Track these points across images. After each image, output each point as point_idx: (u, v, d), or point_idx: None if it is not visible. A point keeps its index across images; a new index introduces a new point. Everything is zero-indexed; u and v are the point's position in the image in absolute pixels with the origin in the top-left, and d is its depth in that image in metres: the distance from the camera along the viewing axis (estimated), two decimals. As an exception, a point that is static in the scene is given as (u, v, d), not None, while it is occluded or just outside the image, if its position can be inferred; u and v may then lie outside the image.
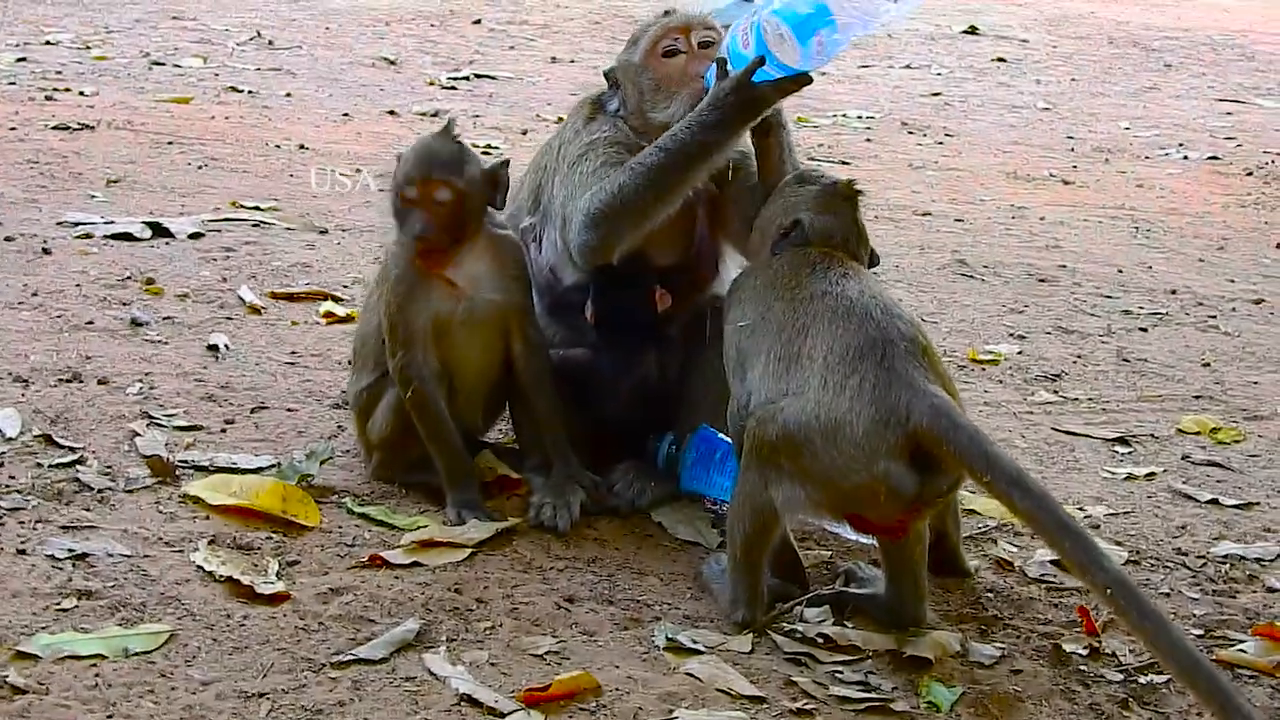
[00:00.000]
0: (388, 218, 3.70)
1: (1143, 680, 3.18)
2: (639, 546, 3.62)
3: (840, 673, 3.10)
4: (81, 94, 8.04)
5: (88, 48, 9.33)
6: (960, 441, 3.02)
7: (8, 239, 5.39)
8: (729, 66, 3.56)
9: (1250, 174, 8.66)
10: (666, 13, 3.93)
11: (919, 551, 3.29)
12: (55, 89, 8.08)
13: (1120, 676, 3.20)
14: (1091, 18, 14.35)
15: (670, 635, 3.17)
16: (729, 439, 3.80)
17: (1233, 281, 6.43)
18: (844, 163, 8.15)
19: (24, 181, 6.19)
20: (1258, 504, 4.14)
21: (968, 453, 3.01)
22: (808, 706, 2.97)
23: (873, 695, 3.03)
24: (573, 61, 10.48)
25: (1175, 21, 14.52)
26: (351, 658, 2.98)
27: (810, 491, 3.18)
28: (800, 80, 3.53)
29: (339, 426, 4.06)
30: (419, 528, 3.55)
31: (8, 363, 4.27)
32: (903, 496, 3.08)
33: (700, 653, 3.12)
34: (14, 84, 8.14)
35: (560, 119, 8.32)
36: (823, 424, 3.10)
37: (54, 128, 7.17)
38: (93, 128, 7.25)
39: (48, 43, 9.37)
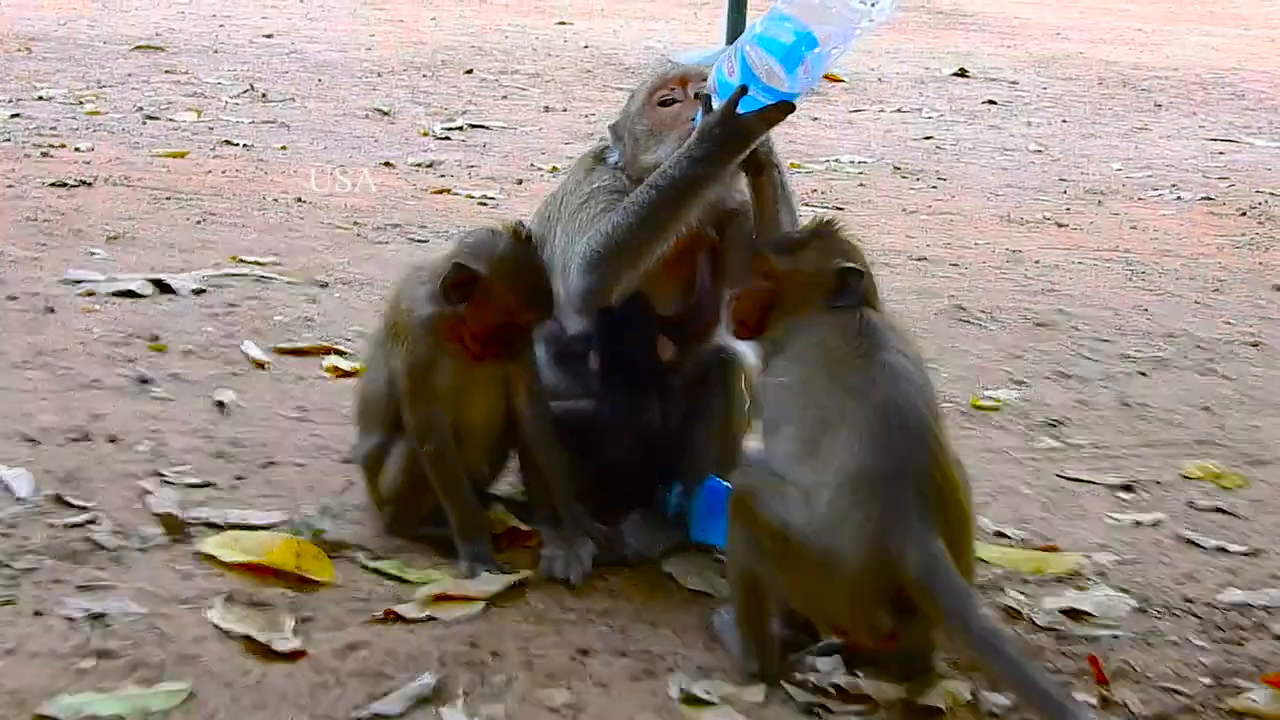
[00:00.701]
0: (423, 285, 3.73)
1: (1154, 727, 3.23)
2: (650, 597, 3.65)
3: (853, 720, 3.15)
4: (77, 150, 8.10)
5: (80, 103, 9.38)
6: (944, 601, 3.03)
7: (11, 298, 5.43)
8: (714, 97, 3.62)
9: (1244, 214, 8.73)
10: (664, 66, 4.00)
11: None
12: (51, 145, 8.13)
13: (1132, 724, 3.25)
14: (1080, 58, 14.47)
15: (685, 687, 3.19)
16: None
17: (1230, 324, 6.48)
18: (838, 208, 8.21)
19: (24, 239, 6.24)
20: (1264, 551, 4.18)
21: (949, 613, 3.03)
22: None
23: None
24: (565, 110, 10.56)
25: (1164, 61, 14.64)
26: (369, 713, 3.01)
27: (789, 589, 3.24)
28: (784, 108, 3.57)
29: (349, 481, 4.09)
30: (432, 581, 3.57)
31: (16, 422, 4.31)
32: (878, 633, 3.13)
33: (714, 704, 3.15)
34: (9, 140, 8.19)
35: (555, 168, 8.43)
36: (817, 548, 3.10)
37: (51, 184, 7.22)
38: (90, 184, 7.31)
39: (40, 98, 9.43)
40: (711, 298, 4.02)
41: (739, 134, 3.62)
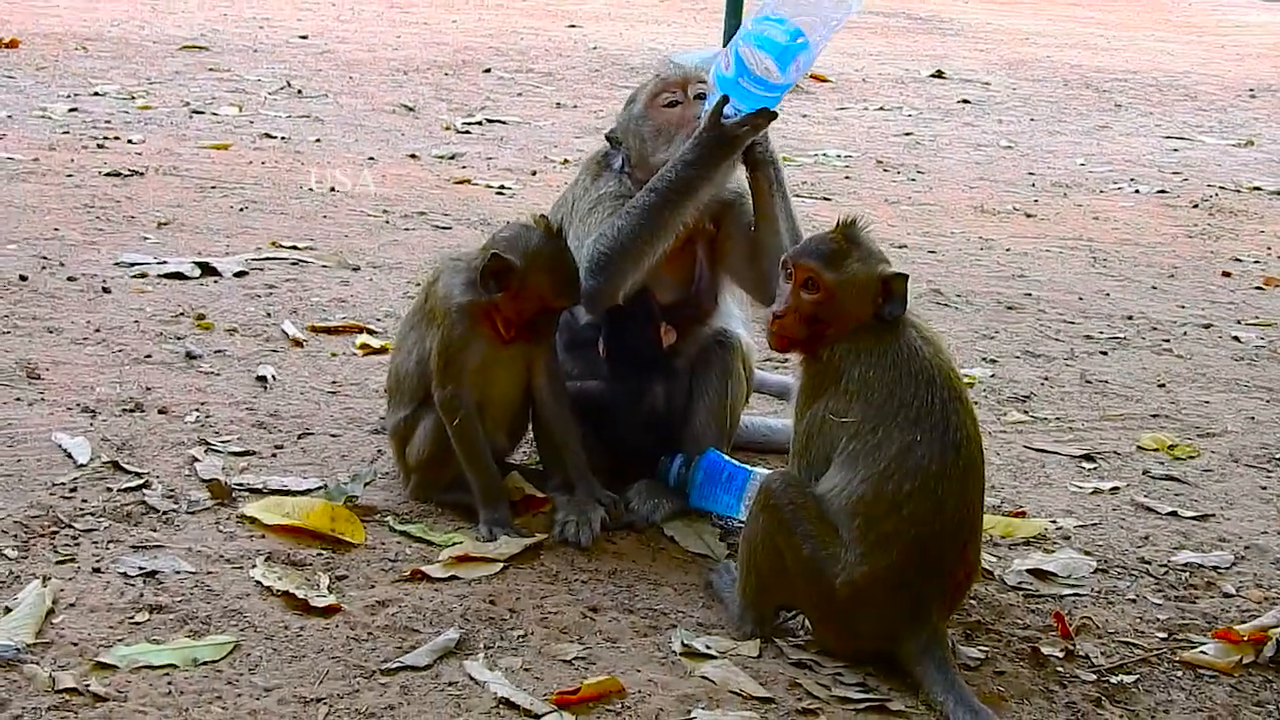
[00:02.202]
0: (459, 274, 3.71)
1: (1114, 680, 3.22)
2: (654, 559, 3.66)
3: (841, 675, 3.14)
4: (130, 141, 8.06)
5: (133, 98, 9.34)
6: (930, 678, 3.05)
7: (70, 279, 5.42)
8: (713, 94, 3.62)
9: (1196, 206, 8.70)
10: (663, 69, 3.97)
11: None
12: (105, 137, 8.10)
13: (1094, 676, 3.24)
14: (1047, 61, 14.41)
15: (686, 641, 3.20)
16: (733, 461, 3.85)
17: (1183, 307, 6.47)
18: (825, 199, 8.19)
19: (82, 225, 6.22)
20: (1213, 515, 4.18)
21: (933, 683, 3.04)
22: (812, 707, 3.01)
23: (871, 696, 3.07)
24: (575, 107, 10.52)
25: (1124, 64, 14.58)
26: (399, 665, 3.02)
27: (796, 598, 3.24)
28: (766, 114, 3.59)
29: (379, 450, 4.09)
30: (455, 544, 3.58)
31: (76, 394, 4.30)
32: (876, 654, 3.16)
33: (714, 657, 3.16)
34: (67, 132, 8.15)
35: (566, 161, 8.40)
36: (838, 597, 3.10)
37: (106, 174, 7.19)
38: (142, 174, 7.28)
39: (96, 94, 9.38)
40: (710, 285, 4.02)
41: (727, 141, 3.64)
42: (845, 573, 3.08)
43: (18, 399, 4.23)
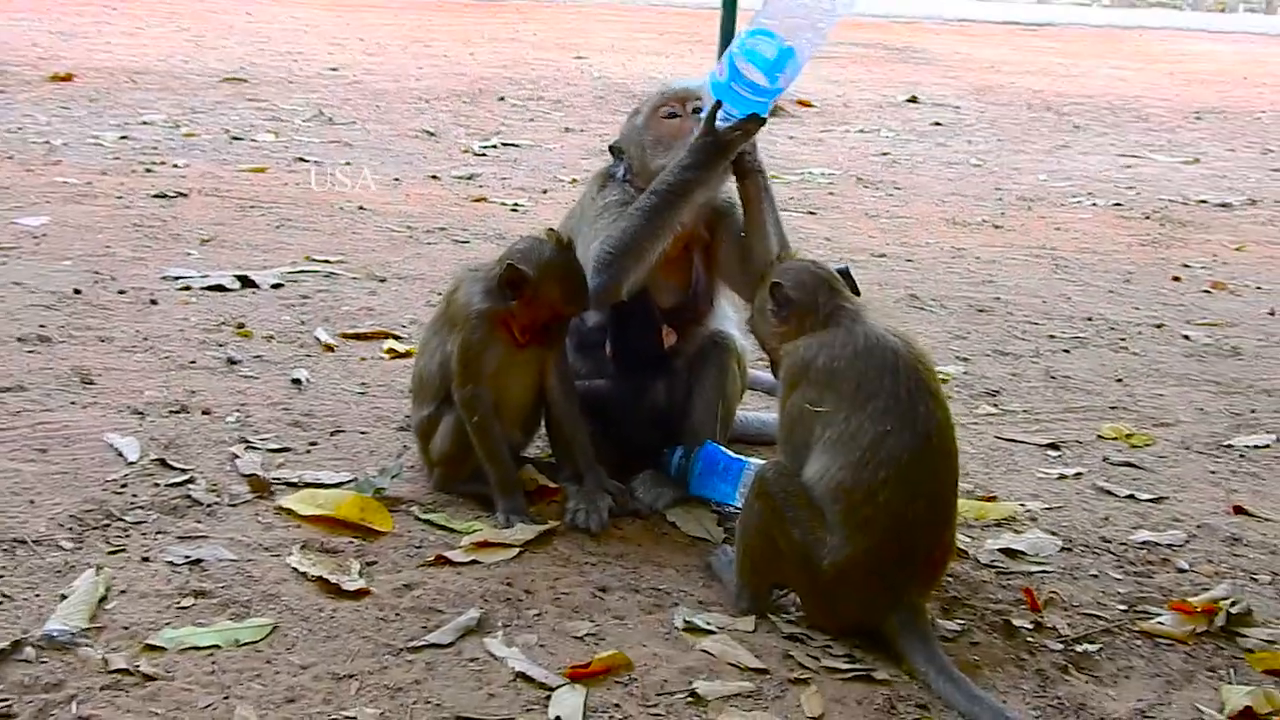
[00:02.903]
0: (478, 284, 3.69)
1: (1079, 649, 3.20)
2: (658, 543, 3.63)
3: (830, 648, 3.11)
4: (175, 166, 8.04)
5: (178, 126, 9.32)
6: (912, 650, 3.02)
7: (121, 292, 5.40)
8: (700, 106, 3.62)
9: (1148, 218, 8.67)
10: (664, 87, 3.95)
11: None
12: (153, 162, 8.07)
13: (1061, 646, 3.22)
14: (1012, 87, 14.38)
15: (687, 618, 3.18)
16: (729, 452, 3.83)
17: (1138, 309, 6.44)
18: (811, 213, 8.16)
19: (131, 242, 6.19)
20: (1167, 498, 4.16)
21: (914, 656, 3.02)
22: (804, 676, 2.99)
23: (858, 666, 3.04)
24: (582, 131, 10.49)
25: (1081, 89, 14.55)
26: (424, 643, 3.00)
27: (788, 578, 3.21)
28: (756, 119, 3.58)
29: (404, 446, 4.07)
30: (475, 531, 3.55)
31: (126, 398, 4.28)
32: (861, 628, 3.14)
33: (713, 633, 3.13)
34: (118, 159, 8.13)
35: (574, 180, 8.37)
36: (825, 578, 3.08)
37: (154, 196, 7.16)
38: (186, 195, 7.25)
39: (144, 123, 9.36)
40: (706, 289, 3.99)
41: (721, 146, 3.61)
42: (830, 555, 3.05)
43: (73, 403, 4.21)
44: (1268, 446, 4.65)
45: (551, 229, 3.73)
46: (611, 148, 3.96)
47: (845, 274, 3.40)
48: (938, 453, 3.08)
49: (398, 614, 3.11)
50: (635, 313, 3.86)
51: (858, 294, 3.38)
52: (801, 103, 12.46)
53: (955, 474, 3.17)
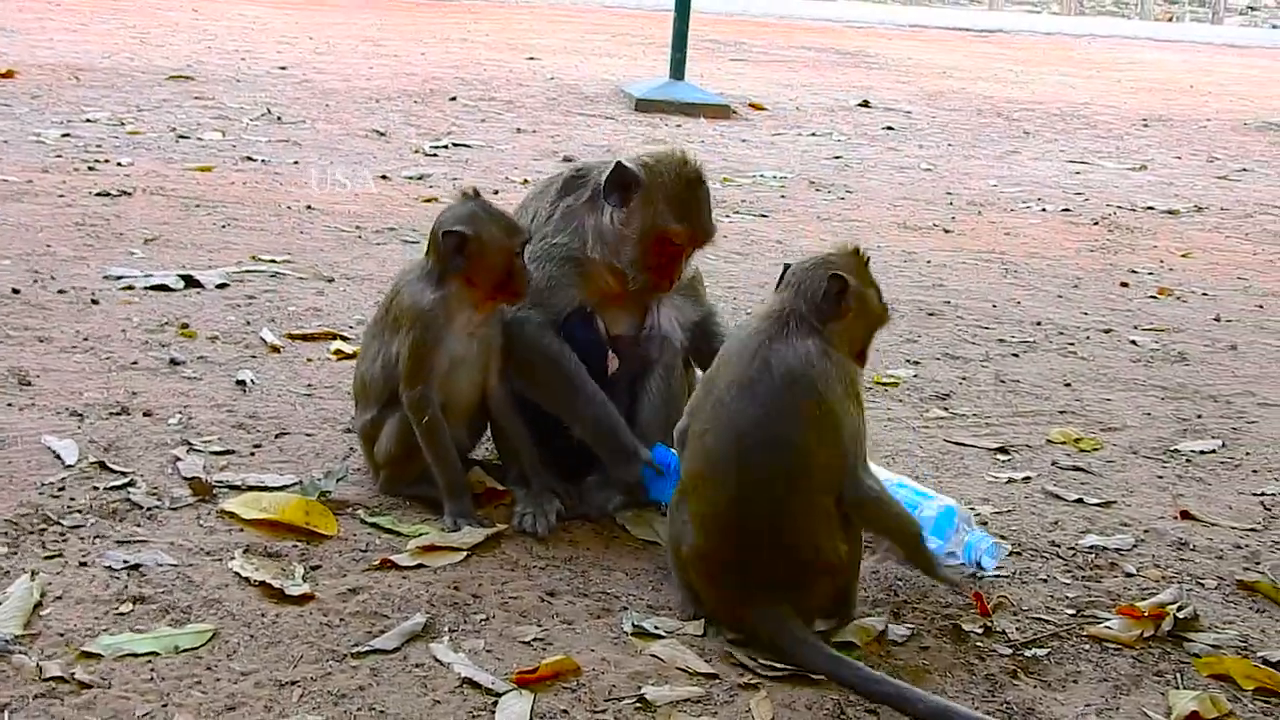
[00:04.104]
0: (419, 281, 3.65)
1: (1028, 653, 3.20)
2: (607, 546, 3.61)
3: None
4: (119, 164, 7.92)
5: (122, 124, 9.19)
6: (790, 650, 3.05)
7: (61, 291, 5.30)
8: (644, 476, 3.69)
9: (1096, 224, 8.75)
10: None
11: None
12: (96, 160, 7.95)
13: (1010, 650, 3.22)
14: (963, 93, 14.49)
15: (636, 623, 3.16)
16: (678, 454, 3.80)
17: (1086, 314, 6.49)
18: (762, 215, 8.16)
19: (73, 241, 6.09)
20: (1115, 502, 4.18)
21: (792, 657, 3.04)
22: (753, 682, 2.97)
23: (800, 670, 3.02)
24: (534, 132, 10.45)
25: (1031, 96, 14.68)
26: (369, 648, 2.96)
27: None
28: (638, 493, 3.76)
29: (350, 449, 4.02)
30: (422, 534, 3.52)
31: (64, 399, 4.20)
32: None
33: (662, 637, 3.11)
34: (60, 156, 8.00)
35: (525, 180, 8.32)
36: (688, 558, 3.18)
37: (97, 194, 7.06)
38: (130, 193, 7.15)
39: (87, 120, 9.22)
40: (658, 335, 3.86)
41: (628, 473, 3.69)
42: (686, 549, 3.16)
43: (9, 404, 4.13)
44: (1214, 452, 4.69)
45: (458, 189, 3.73)
46: (623, 172, 3.70)
47: (786, 269, 3.35)
48: (747, 451, 3.05)
49: (342, 619, 3.07)
50: (582, 335, 3.79)
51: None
52: (754, 105, 12.48)
53: (784, 474, 3.05)
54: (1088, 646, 3.28)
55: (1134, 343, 6.02)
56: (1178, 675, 3.16)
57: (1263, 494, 4.33)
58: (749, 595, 3.07)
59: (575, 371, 3.70)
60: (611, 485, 3.81)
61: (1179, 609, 3.38)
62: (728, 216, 8.07)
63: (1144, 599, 3.49)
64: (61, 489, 3.58)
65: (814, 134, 11.48)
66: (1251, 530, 4.04)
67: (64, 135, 8.62)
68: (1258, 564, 3.80)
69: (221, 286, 5.57)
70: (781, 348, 3.12)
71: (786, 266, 3.35)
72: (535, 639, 3.07)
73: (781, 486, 3.06)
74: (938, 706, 2.87)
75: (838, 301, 3.20)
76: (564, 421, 3.77)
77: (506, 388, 3.75)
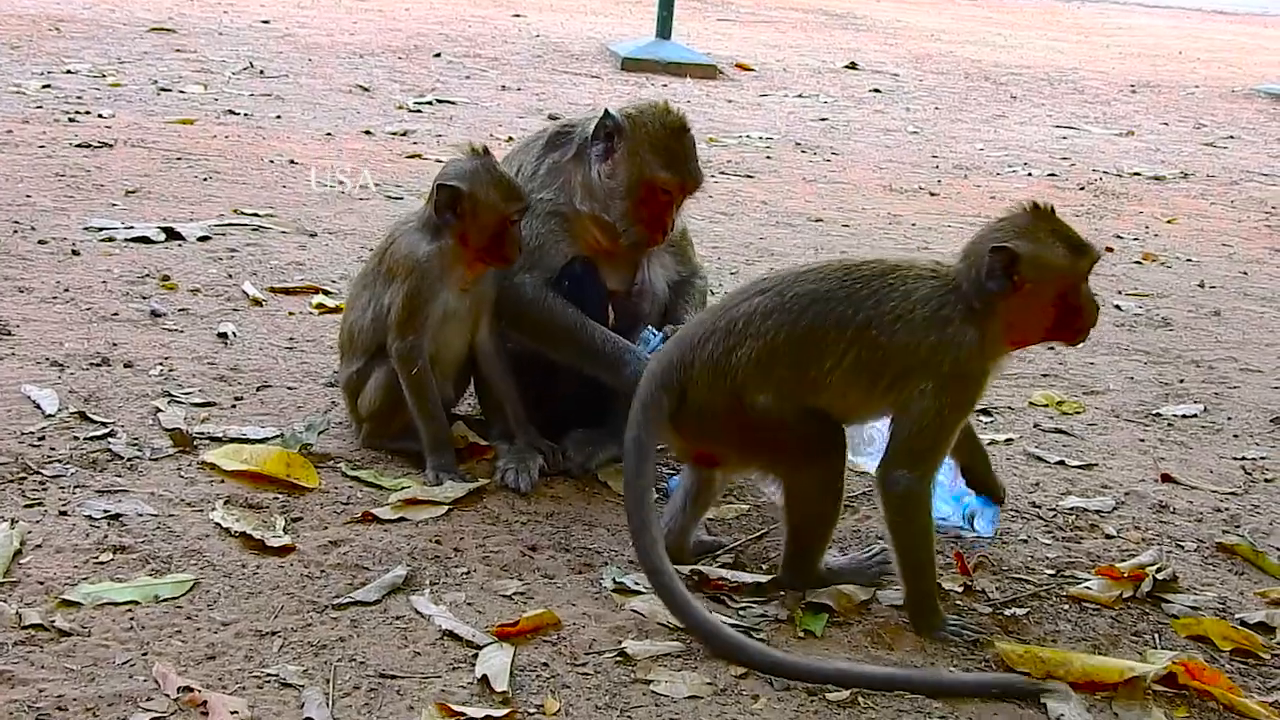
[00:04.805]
0: (414, 231, 3.64)
1: (1008, 612, 3.22)
2: (589, 502, 3.61)
3: (750, 607, 3.10)
4: (100, 116, 7.86)
5: (103, 76, 9.11)
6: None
7: (41, 242, 5.26)
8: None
9: (1082, 188, 8.75)
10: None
11: (797, 517, 3.17)
12: (77, 112, 7.89)
13: (990, 609, 3.23)
14: (950, 56, 14.45)
15: (617, 578, 3.16)
16: None
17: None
18: (748, 176, 8.14)
19: (53, 192, 6.04)
20: (1096, 464, 4.19)
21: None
22: (734, 637, 2.98)
23: (777, 620, 3.05)
24: (519, 89, 10.39)
25: (1019, 60, 14.65)
26: (350, 600, 2.96)
27: None
28: None
29: (332, 402, 4.01)
30: (403, 488, 3.52)
31: (45, 349, 4.18)
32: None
33: (642, 593, 3.10)
34: (40, 108, 7.93)
35: (510, 138, 8.27)
36: None
37: (77, 145, 7.00)
38: (111, 145, 7.09)
39: (68, 71, 9.14)
40: (649, 289, 3.87)
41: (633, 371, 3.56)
42: None
43: (-11, 353, 4.11)
44: (1195, 416, 4.71)
45: (467, 143, 3.67)
46: (609, 121, 3.70)
47: None
48: None
49: (323, 571, 3.07)
50: (583, 289, 3.77)
51: None
52: (741, 66, 12.43)
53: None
54: (1067, 606, 3.29)
55: (1118, 307, 6.03)
56: (1156, 636, 3.18)
57: (1243, 458, 4.36)
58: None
59: (574, 314, 3.68)
60: (594, 442, 3.81)
61: (1158, 570, 3.40)
62: (713, 177, 8.04)
63: (1124, 560, 3.51)
64: (41, 438, 3.56)
65: (801, 95, 11.44)
66: (1231, 494, 4.06)
67: (44, 86, 8.54)
68: (1237, 527, 3.82)
69: (203, 239, 5.54)
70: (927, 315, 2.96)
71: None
72: (516, 593, 3.07)
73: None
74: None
75: (1007, 276, 2.95)
76: (574, 364, 3.73)
77: (495, 342, 3.74)
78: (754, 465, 3.22)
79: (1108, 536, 3.70)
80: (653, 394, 3.06)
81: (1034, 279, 2.96)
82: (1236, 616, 3.28)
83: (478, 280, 3.66)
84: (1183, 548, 3.67)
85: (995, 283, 2.95)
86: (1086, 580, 3.40)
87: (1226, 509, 3.94)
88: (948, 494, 3.60)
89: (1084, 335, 3.11)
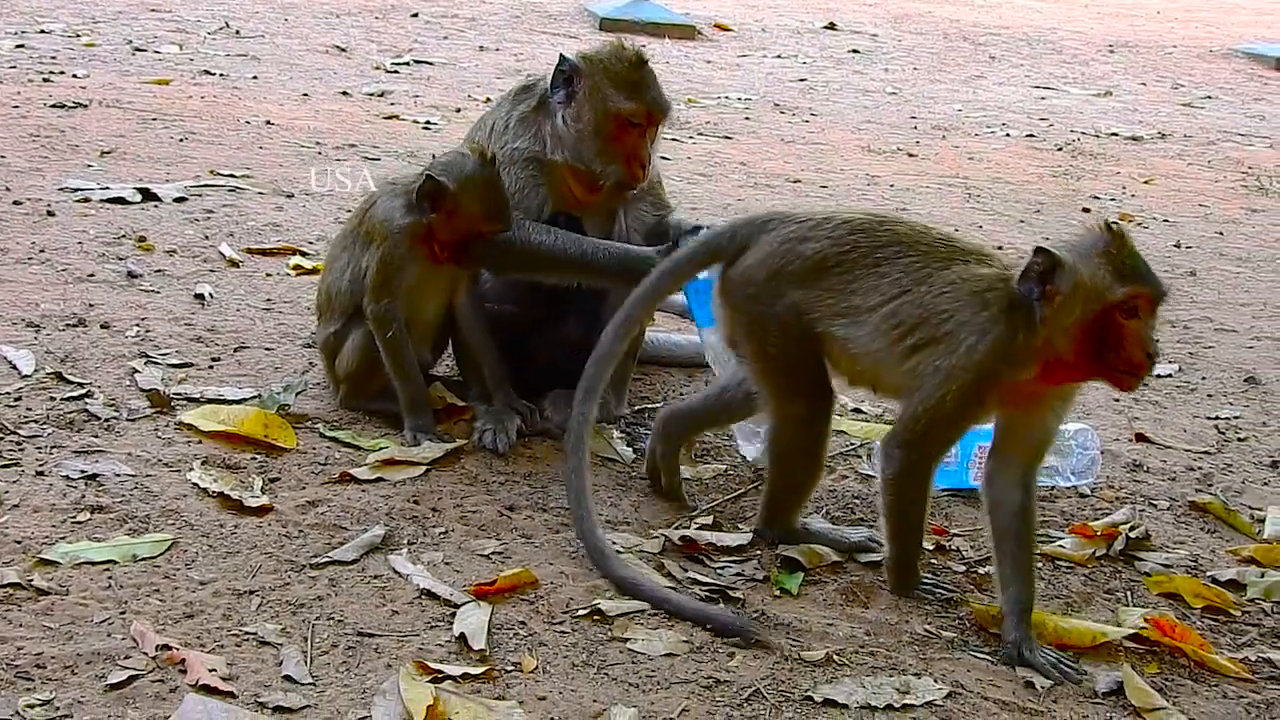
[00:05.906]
0: (397, 198, 3.62)
1: (981, 570, 3.24)
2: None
3: (728, 566, 3.13)
4: (74, 76, 7.78)
5: (78, 36, 9.01)
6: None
7: (16, 203, 5.22)
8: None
9: (1060, 149, 8.76)
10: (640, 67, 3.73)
11: (776, 467, 3.21)
12: (51, 72, 7.80)
13: (964, 567, 3.26)
14: (929, 16, 14.40)
15: (595, 538, 3.17)
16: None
17: (1048, 239, 6.36)
18: (726, 137, 8.12)
19: (28, 153, 5.99)
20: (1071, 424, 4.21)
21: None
22: (710, 596, 2.99)
23: (755, 579, 3.07)
24: (497, 50, 10.33)
25: (998, 20, 14.62)
26: (328, 559, 2.96)
27: None
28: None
29: (310, 363, 4.00)
30: (381, 448, 3.51)
31: (21, 310, 4.15)
32: None
33: (620, 552, 3.12)
34: (14, 67, 7.84)
35: (488, 99, 8.21)
36: None
37: (52, 106, 6.93)
38: (86, 106, 7.02)
39: (42, 31, 9.03)
40: (630, 241, 3.86)
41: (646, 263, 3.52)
42: None
43: (-36, 314, 4.07)
44: (1170, 376, 4.73)
45: (478, 144, 3.65)
46: (564, 65, 3.72)
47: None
48: None
49: (301, 531, 3.07)
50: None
51: None
52: (719, 26, 12.37)
53: None
54: (1041, 564, 3.31)
55: (1094, 268, 6.04)
56: (1128, 593, 3.21)
57: (1217, 418, 4.39)
58: None
59: (565, 235, 3.68)
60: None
61: (1131, 529, 3.43)
62: (691, 138, 8.02)
63: (1097, 519, 3.54)
64: (18, 399, 3.54)
65: (779, 56, 11.40)
66: (1205, 453, 4.09)
67: (18, 46, 8.44)
68: (1210, 486, 3.85)
69: (179, 200, 5.49)
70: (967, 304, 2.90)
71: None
72: (494, 552, 3.07)
73: None
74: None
75: (1041, 281, 2.79)
76: (580, 278, 3.73)
77: (474, 303, 3.73)
78: (752, 365, 3.15)
79: (1081, 496, 3.72)
80: (718, 236, 3.21)
81: (1067, 293, 2.76)
82: (1208, 574, 3.31)
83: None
84: (1156, 506, 3.69)
85: (1026, 285, 2.83)
86: (1060, 539, 3.43)
87: (1199, 468, 3.97)
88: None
89: (1129, 377, 2.81)
